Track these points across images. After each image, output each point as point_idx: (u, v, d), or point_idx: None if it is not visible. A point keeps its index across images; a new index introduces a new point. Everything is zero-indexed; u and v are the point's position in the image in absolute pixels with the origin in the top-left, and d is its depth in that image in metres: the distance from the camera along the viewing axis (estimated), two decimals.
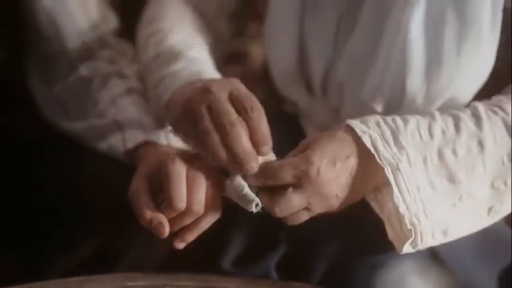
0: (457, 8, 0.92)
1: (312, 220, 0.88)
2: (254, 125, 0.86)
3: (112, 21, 1.16)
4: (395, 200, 0.85)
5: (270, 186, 0.86)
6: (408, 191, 0.85)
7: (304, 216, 0.87)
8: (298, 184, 0.85)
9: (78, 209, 0.99)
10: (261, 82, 1.19)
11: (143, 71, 1.10)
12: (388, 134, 0.88)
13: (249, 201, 0.86)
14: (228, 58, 1.18)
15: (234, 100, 0.87)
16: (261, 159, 0.87)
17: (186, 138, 0.91)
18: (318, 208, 0.86)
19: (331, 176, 0.85)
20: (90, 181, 1.01)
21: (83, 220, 0.98)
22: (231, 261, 0.93)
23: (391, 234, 0.89)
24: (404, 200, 0.85)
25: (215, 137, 0.85)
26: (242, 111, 0.86)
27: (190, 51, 1.05)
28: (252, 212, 0.86)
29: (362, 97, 0.97)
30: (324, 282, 0.91)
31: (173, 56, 1.04)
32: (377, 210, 0.89)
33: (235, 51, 1.52)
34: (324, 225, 0.91)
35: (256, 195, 0.87)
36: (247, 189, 0.87)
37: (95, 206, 0.98)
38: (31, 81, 1.15)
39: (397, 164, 0.85)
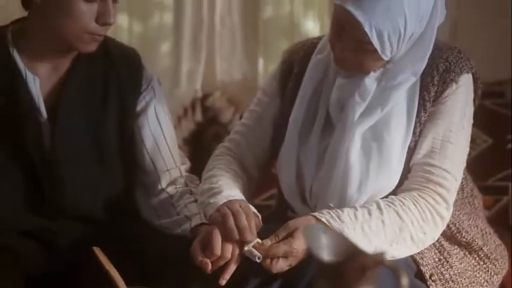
0: (379, 148, 1.64)
1: (293, 268, 1.56)
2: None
3: (187, 162, 1.88)
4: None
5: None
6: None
7: (285, 266, 1.54)
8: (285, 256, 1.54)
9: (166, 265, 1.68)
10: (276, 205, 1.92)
11: (200, 191, 1.77)
12: (334, 216, 1.58)
13: (254, 255, 1.55)
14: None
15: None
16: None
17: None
18: (294, 264, 1.54)
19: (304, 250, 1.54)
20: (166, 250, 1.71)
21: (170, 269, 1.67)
22: None
23: None
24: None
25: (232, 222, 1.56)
26: None
27: (229, 191, 1.69)
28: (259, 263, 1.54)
29: (327, 202, 1.66)
30: None
31: (218, 192, 1.69)
32: None
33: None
34: (300, 271, 1.56)
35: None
36: (252, 249, 1.56)
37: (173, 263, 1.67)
38: (136, 196, 1.86)
39: (342, 229, 1.55)
